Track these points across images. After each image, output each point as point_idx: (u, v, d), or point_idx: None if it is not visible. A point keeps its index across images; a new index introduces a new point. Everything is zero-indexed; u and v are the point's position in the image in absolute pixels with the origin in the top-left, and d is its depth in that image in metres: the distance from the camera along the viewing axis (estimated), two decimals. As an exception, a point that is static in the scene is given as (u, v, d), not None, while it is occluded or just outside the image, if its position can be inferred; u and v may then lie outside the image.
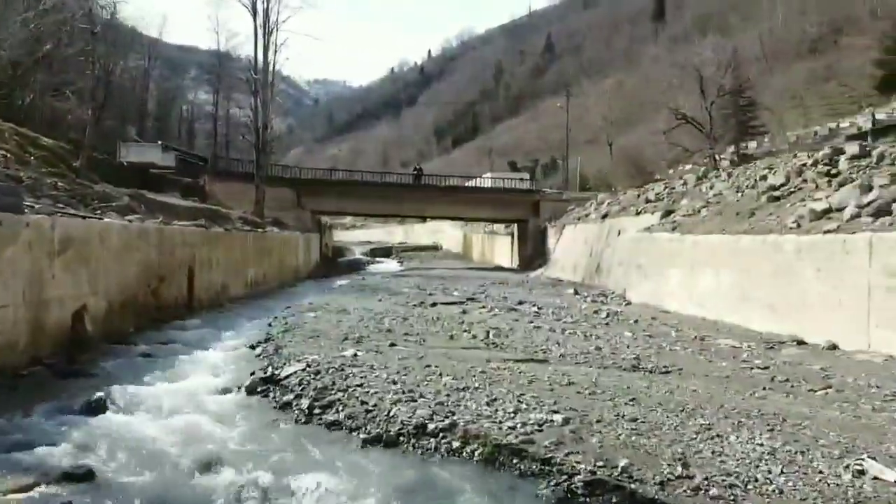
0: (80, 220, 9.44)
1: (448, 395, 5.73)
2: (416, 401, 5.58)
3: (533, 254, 36.00)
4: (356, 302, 14.52)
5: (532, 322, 11.35)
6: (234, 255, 17.54)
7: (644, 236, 17.34)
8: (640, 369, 7.50)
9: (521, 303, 15.61)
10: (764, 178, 15.90)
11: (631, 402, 5.69)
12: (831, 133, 37.21)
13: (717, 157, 32.27)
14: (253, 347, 9.09)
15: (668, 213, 18.41)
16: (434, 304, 14.24)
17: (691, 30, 77.97)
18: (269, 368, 7.15)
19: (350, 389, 5.99)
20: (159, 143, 43.85)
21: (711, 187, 18.28)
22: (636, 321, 12.47)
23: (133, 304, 10.87)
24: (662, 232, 16.38)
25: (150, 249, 11.79)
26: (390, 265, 42.19)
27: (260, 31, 29.59)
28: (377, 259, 48.61)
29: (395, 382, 6.16)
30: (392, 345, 8.61)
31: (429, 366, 7.09)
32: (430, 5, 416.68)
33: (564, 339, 9.42)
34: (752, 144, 41.95)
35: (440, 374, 6.56)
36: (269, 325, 11.30)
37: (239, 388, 6.69)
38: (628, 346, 9.05)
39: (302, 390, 6.19)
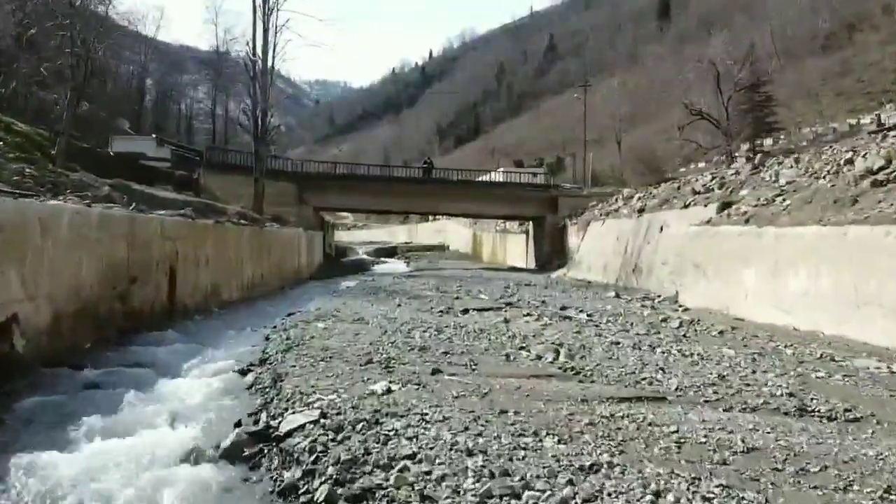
0: (9, 201, 7.02)
1: (571, 481, 3.30)
2: (519, 497, 3.15)
3: (550, 253, 33.65)
4: (371, 308, 12.09)
5: (600, 334, 8.92)
6: (228, 252, 15.12)
7: (704, 231, 14.91)
8: (811, 413, 5.08)
9: (564, 308, 13.20)
10: (850, 161, 13.49)
11: (890, 496, 3.27)
12: (852, 129, 35.10)
13: (733, 154, 30.68)
14: (243, 373, 6.68)
15: (726, 204, 15.97)
16: (466, 311, 11.81)
17: (697, 28, 76.77)
18: (263, 415, 4.74)
19: (396, 464, 3.57)
20: (153, 136, 41.65)
21: (776, 175, 15.90)
22: (720, 332, 10.05)
23: (91, 312, 8.45)
24: (729, 225, 13.95)
25: (117, 242, 9.38)
26: (397, 266, 39.77)
27: (259, 11, 27.21)
28: (382, 259, 46.42)
29: (469, 452, 3.71)
30: (436, 371, 6.19)
31: (505, 412, 4.67)
32: (430, 6, 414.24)
33: (664, 362, 7.00)
34: (768, 142, 39.97)
35: (534, 432, 4.13)
36: (267, 338, 8.89)
37: (216, 449, 4.28)
38: (753, 372, 6.63)
39: (315, 462, 3.75)
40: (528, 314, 11.15)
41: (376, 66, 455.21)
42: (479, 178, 39.03)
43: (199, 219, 14.33)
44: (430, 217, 63.68)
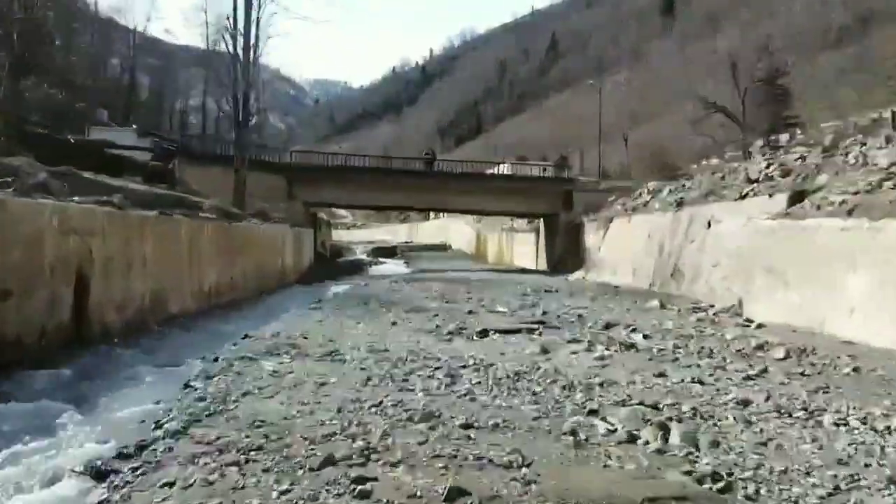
0: None
1: None
2: None
3: (564, 253, 30.59)
4: (356, 329, 8.95)
5: (700, 380, 5.79)
6: (180, 251, 12.01)
7: (781, 226, 11.77)
8: None
9: (609, 326, 10.10)
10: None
11: None
12: (874, 123, 32.31)
13: (748, 149, 28.17)
14: (100, 477, 3.59)
15: (799, 193, 12.87)
16: (484, 333, 8.66)
17: (702, 25, 74.46)
18: None
19: None
20: (133, 126, 38.65)
21: (863, 156, 12.85)
22: (854, 369, 6.92)
23: None
24: (822, 218, 10.82)
25: (-30, 240, 6.29)
26: (396, 267, 36.63)
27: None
28: (381, 260, 43.39)
29: None
30: (454, 497, 3.07)
31: None
32: (431, 5, 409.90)
33: (865, 452, 3.88)
34: (783, 137, 37.63)
35: None
36: (187, 385, 5.77)
37: None
38: None
39: None
40: (576, 341, 8.01)
41: (377, 65, 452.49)
42: (487, 172, 35.95)
43: (122, 205, 11.12)
44: (432, 215, 60.80)
